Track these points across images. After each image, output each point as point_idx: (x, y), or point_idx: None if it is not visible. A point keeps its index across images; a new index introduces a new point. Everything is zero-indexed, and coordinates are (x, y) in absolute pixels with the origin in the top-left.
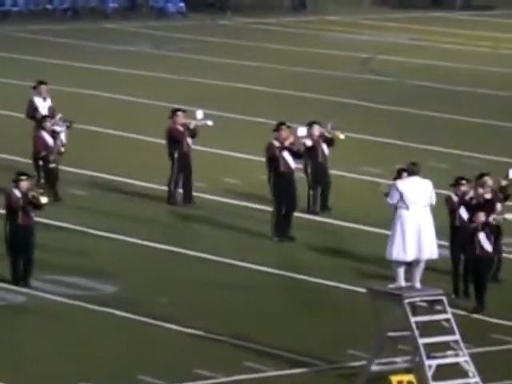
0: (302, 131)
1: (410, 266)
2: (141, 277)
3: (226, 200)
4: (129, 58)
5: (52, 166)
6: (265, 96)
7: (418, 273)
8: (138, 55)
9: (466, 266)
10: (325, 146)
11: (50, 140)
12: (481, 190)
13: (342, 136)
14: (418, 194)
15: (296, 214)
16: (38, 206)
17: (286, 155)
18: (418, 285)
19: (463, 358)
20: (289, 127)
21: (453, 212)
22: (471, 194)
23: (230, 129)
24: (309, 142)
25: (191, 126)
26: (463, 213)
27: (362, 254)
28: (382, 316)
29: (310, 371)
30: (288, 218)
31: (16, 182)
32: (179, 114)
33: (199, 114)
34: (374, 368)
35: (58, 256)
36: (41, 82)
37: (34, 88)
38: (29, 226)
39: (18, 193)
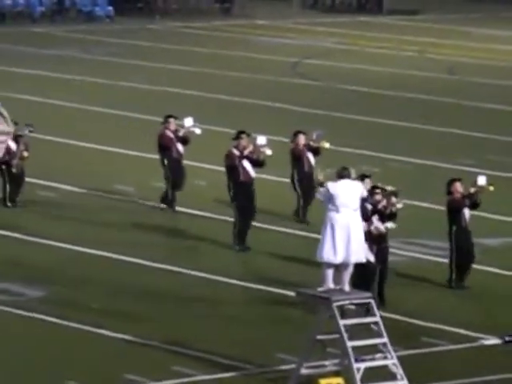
0: (261, 140)
1: (338, 268)
2: (71, 282)
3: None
4: (57, 62)
5: (14, 170)
6: (194, 100)
7: (347, 276)
8: (66, 59)
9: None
10: (311, 155)
11: (12, 145)
12: (393, 200)
13: (327, 145)
14: (348, 197)
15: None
16: None
17: (246, 164)
18: (346, 288)
19: (391, 361)
20: (248, 135)
21: (366, 220)
22: (384, 203)
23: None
24: (268, 151)
25: (180, 134)
26: (377, 222)
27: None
28: (310, 319)
29: (239, 375)
30: (247, 226)
31: None
32: (171, 120)
33: (187, 121)
34: (304, 371)
35: None
36: None
37: None
38: None
39: None
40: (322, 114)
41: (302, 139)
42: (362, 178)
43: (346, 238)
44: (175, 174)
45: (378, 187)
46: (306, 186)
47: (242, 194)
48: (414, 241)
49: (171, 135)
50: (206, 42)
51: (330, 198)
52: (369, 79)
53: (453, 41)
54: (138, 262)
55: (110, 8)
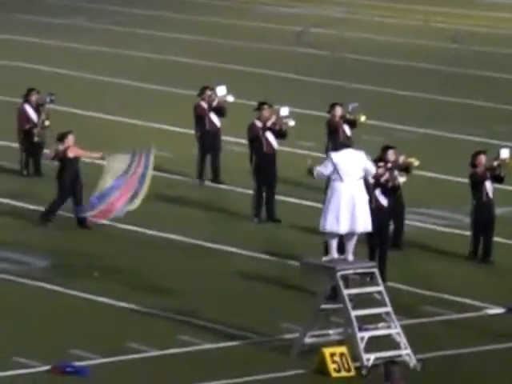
0: (284, 111)
1: (344, 238)
2: (73, 252)
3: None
4: (64, 31)
5: (36, 139)
6: (197, 68)
7: (351, 246)
8: (72, 28)
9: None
10: (347, 128)
11: (33, 114)
12: (395, 173)
13: (363, 118)
14: (351, 167)
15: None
16: None
17: (269, 135)
18: (350, 257)
19: (395, 330)
20: (270, 106)
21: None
22: (386, 176)
23: (162, 101)
24: (291, 122)
25: (214, 104)
26: (379, 195)
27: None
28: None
29: (243, 344)
30: (268, 198)
31: None
32: (208, 91)
33: (220, 90)
34: (307, 340)
35: None
36: None
37: None
38: None
39: None
40: (328, 83)
41: (338, 111)
42: (385, 149)
43: (350, 208)
44: (208, 144)
45: (379, 161)
46: None
47: (264, 165)
48: (421, 210)
49: (205, 106)
50: (207, 11)
51: (332, 168)
52: (373, 48)
53: (457, 9)
54: (150, 233)
55: None
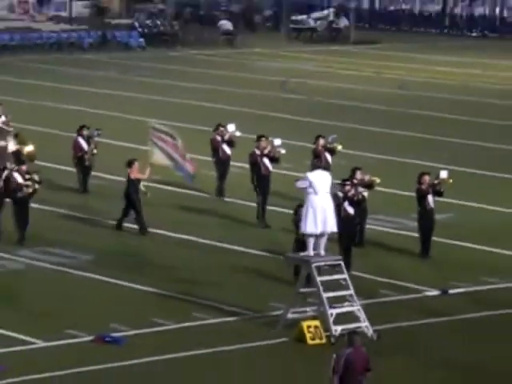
0: (277, 142)
1: (318, 237)
2: (113, 250)
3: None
4: (102, 81)
5: (86, 164)
6: (208, 111)
7: (323, 243)
8: (108, 79)
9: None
10: (328, 155)
11: (84, 144)
12: (360, 189)
13: (339, 147)
14: (322, 183)
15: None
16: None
17: (266, 161)
18: (322, 252)
19: (356, 308)
20: (267, 138)
21: (338, 206)
22: (352, 191)
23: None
24: (283, 151)
25: (226, 137)
26: (347, 206)
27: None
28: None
29: (241, 319)
30: (264, 207)
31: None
32: (221, 128)
33: (230, 127)
34: (289, 316)
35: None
36: None
37: None
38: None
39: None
40: (305, 120)
41: (321, 141)
42: (354, 169)
43: (323, 214)
44: (222, 169)
45: (347, 179)
46: None
47: (262, 183)
48: (378, 217)
49: (219, 138)
50: (215, 65)
51: (309, 184)
52: (339, 93)
53: (403, 64)
54: (184, 237)
55: (142, 39)
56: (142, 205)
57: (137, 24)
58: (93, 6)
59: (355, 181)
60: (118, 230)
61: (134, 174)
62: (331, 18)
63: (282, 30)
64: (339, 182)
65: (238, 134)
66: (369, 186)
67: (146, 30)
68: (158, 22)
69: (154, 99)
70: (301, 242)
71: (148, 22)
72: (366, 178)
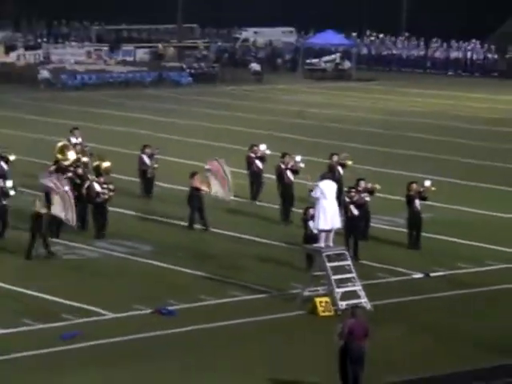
0: (298, 158)
1: (327, 232)
2: (166, 241)
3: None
4: (159, 111)
5: (149, 175)
6: (243, 134)
7: (331, 236)
8: (164, 109)
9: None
10: (340, 169)
11: (147, 160)
12: (362, 195)
13: (350, 162)
14: (330, 190)
15: None
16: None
17: (288, 173)
18: (331, 244)
19: (358, 288)
20: (290, 155)
21: (346, 207)
22: (357, 197)
23: (224, 153)
24: (302, 165)
25: (258, 154)
26: (353, 209)
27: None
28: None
29: (268, 296)
30: (287, 210)
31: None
32: (255, 147)
33: (262, 146)
34: (306, 293)
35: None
36: (74, 128)
37: (70, 131)
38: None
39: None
40: (316, 141)
41: (334, 158)
42: (358, 180)
43: (331, 214)
44: (256, 181)
45: (352, 187)
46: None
47: (286, 191)
48: (377, 216)
49: (253, 155)
50: (247, 98)
51: (321, 192)
52: (345, 120)
53: (394, 96)
54: (226, 233)
55: (190, 78)
56: (205, 207)
57: (186, 66)
58: (152, 52)
59: (359, 188)
60: (189, 229)
61: (195, 184)
62: (338, 60)
63: (298, 70)
64: (346, 189)
65: (268, 152)
66: (371, 192)
67: (193, 71)
68: (203, 65)
69: (203, 125)
70: (308, 236)
71: (195, 64)
72: (369, 185)
